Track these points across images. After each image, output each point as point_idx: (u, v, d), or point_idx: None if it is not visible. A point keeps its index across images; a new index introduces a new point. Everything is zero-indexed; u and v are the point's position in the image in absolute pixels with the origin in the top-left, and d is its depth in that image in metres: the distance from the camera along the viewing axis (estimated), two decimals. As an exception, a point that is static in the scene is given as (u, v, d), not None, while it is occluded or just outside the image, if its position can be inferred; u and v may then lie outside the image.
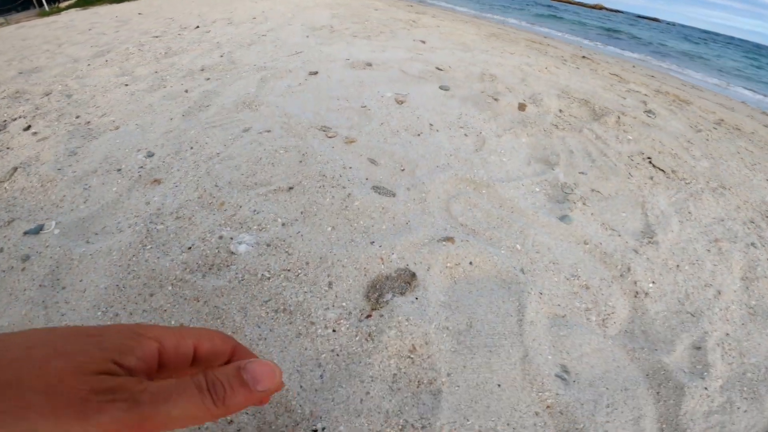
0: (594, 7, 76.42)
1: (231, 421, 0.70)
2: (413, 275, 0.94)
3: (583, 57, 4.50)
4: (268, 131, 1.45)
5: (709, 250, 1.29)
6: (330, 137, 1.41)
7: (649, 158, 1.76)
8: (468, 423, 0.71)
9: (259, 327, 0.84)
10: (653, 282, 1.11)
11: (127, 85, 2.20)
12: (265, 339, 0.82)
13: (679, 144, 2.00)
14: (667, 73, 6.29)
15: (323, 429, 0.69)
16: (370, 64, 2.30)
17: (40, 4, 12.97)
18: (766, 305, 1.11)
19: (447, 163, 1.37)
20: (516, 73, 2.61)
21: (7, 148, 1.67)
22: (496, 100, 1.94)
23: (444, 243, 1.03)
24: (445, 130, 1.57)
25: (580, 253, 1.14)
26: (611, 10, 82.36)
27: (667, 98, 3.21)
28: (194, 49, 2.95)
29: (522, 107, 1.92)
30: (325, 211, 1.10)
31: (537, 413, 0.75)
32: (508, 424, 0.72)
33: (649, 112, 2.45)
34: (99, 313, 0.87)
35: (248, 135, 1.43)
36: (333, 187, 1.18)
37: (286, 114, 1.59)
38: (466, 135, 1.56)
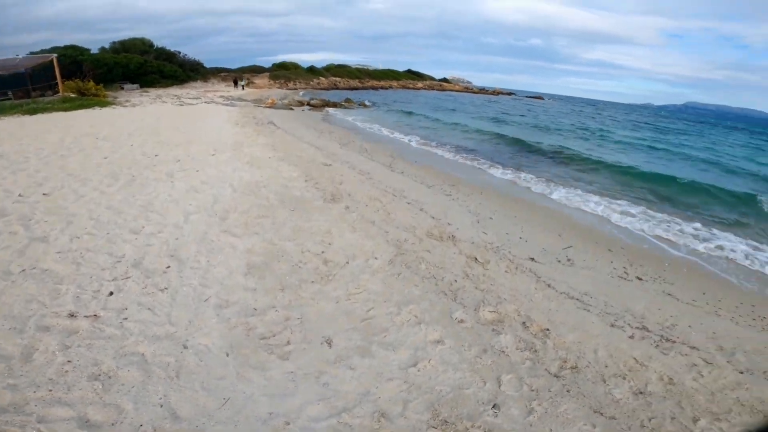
0: (495, 93, 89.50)
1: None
2: None
3: (475, 262, 5.26)
4: None
5: None
6: None
7: None
8: None
9: None
10: None
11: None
12: None
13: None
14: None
15: None
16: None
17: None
18: None
19: None
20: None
21: None
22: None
23: None
24: None
25: None
26: (506, 93, 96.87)
27: (528, 333, 3.84)
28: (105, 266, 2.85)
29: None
30: None
31: None
32: None
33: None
34: None
35: None
36: None
37: None
38: None
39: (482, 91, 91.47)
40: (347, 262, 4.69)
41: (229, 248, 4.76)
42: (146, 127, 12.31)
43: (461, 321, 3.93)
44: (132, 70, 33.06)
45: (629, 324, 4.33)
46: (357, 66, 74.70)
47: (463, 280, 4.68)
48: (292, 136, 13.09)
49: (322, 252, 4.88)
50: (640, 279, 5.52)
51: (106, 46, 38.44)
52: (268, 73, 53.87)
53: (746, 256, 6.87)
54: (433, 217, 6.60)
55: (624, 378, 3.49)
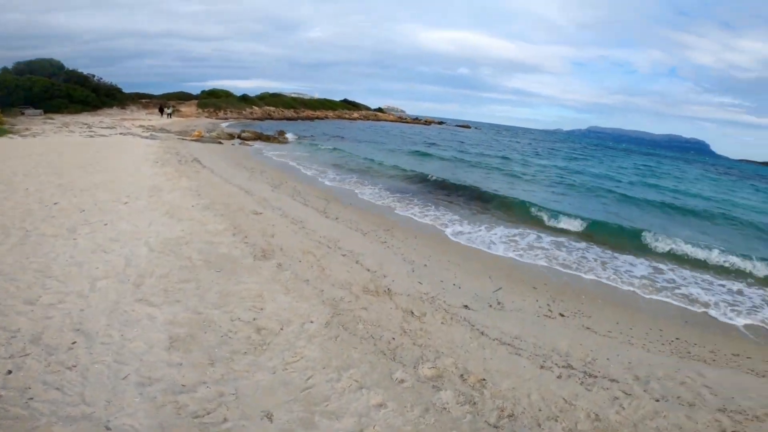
0: (426, 122, 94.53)
1: None
2: None
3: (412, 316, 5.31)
4: None
5: None
6: None
7: None
8: None
9: None
10: None
11: None
12: None
13: None
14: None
15: None
16: None
17: None
18: None
19: None
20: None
21: None
22: None
23: None
24: None
25: None
26: (437, 122, 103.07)
27: (467, 386, 3.92)
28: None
29: None
30: None
31: None
32: None
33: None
34: None
35: None
36: None
37: None
38: None
39: (415, 120, 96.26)
40: (282, 329, 4.46)
41: (147, 320, 4.28)
42: (46, 165, 10.89)
43: (402, 381, 3.90)
44: (36, 94, 29.53)
45: (556, 364, 4.63)
46: (293, 95, 74.75)
47: (401, 336, 4.68)
48: (220, 178, 12.37)
49: (254, 319, 4.59)
50: (563, 315, 5.98)
51: (9, 66, 34.04)
52: (196, 101, 51.41)
53: (651, 282, 7.86)
54: (368, 270, 6.55)
55: (556, 420, 3.69)
